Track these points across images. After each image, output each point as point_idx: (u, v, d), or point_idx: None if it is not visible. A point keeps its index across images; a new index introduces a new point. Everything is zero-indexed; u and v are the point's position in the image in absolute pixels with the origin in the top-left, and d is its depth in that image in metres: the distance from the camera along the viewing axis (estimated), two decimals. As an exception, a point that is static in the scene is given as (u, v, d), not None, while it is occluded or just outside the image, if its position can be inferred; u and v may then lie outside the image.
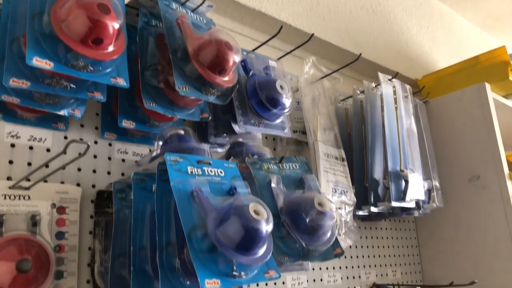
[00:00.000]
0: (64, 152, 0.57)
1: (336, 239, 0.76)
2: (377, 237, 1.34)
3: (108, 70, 0.67)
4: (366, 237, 1.30)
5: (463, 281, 1.09)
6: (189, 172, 0.66)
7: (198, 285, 0.62)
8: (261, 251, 0.60)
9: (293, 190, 0.79)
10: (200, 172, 0.67)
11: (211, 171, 0.69)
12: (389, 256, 1.35)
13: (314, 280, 1.12)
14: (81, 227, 0.76)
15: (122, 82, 0.68)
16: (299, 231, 0.71)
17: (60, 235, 0.73)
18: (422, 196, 1.15)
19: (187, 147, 0.71)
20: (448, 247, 1.40)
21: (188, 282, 0.62)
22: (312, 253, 0.73)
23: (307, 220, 0.70)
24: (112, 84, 0.67)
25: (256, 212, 0.59)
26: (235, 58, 0.74)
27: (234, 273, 0.59)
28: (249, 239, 0.58)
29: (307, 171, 0.84)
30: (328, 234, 0.73)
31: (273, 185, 0.75)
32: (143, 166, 0.70)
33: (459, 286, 1.06)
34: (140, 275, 0.67)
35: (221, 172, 0.70)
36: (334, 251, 0.76)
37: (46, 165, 0.73)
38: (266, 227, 0.59)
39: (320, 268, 1.14)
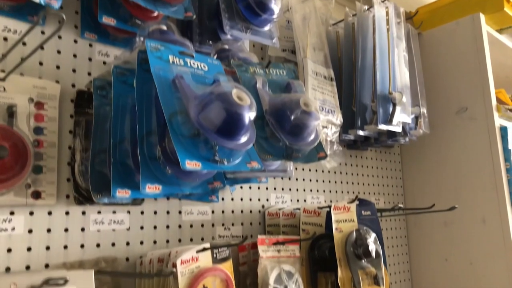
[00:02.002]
0: (41, 47, 0.54)
1: (320, 142, 0.75)
2: (362, 166, 1.34)
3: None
4: (352, 165, 1.31)
5: (444, 208, 1.10)
6: (171, 61, 0.64)
7: (179, 173, 0.61)
8: (244, 138, 0.59)
9: (279, 94, 0.77)
10: (182, 63, 0.65)
11: (193, 64, 0.66)
12: (373, 185, 1.37)
13: (297, 201, 1.13)
14: (60, 126, 0.74)
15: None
16: (284, 131, 0.70)
17: (38, 131, 0.71)
18: (409, 120, 1.15)
19: (170, 39, 0.68)
20: (432, 177, 1.41)
21: (169, 171, 0.61)
22: (296, 154, 0.72)
23: (292, 119, 0.69)
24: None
25: (239, 98, 0.57)
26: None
27: (216, 158, 0.58)
28: (231, 123, 0.57)
29: (295, 79, 0.83)
30: (313, 135, 0.72)
31: (258, 85, 0.74)
32: (123, 59, 0.67)
33: (440, 211, 1.08)
34: (121, 169, 0.66)
35: (204, 67, 0.68)
36: (318, 154, 0.76)
37: (22, 59, 0.70)
38: (249, 114, 0.58)
39: (304, 190, 1.15)
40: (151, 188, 0.61)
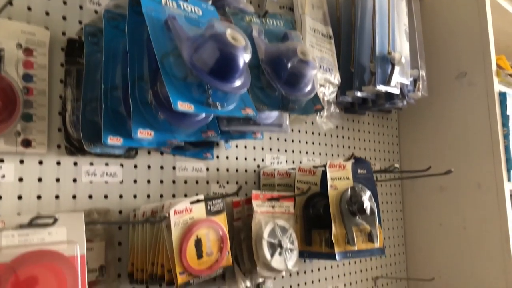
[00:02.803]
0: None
1: (317, 94, 0.74)
2: (358, 130, 1.33)
3: None
4: (348, 129, 1.30)
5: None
6: (163, 3, 0.61)
7: (172, 118, 0.60)
8: (238, 82, 0.57)
9: (276, 43, 0.75)
10: (175, 6, 0.63)
11: (187, 7, 0.64)
12: (370, 149, 1.36)
13: (293, 162, 1.12)
14: (51, 74, 0.72)
15: None
16: (280, 80, 0.68)
17: (27, 78, 0.69)
18: (407, 81, 1.13)
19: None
20: (428, 143, 1.41)
21: (161, 116, 0.60)
22: (292, 106, 0.71)
23: (288, 68, 0.67)
24: None
25: (234, 38, 0.56)
26: None
27: (209, 101, 0.56)
28: (225, 64, 0.55)
29: (292, 30, 0.80)
30: (309, 86, 0.70)
31: (254, 34, 0.71)
32: (114, 2, 0.65)
33: (435, 175, 1.07)
34: (113, 116, 0.65)
35: (198, 11, 0.66)
36: (314, 106, 0.74)
37: (10, 3, 0.67)
38: (244, 55, 0.56)
39: (300, 152, 1.14)
40: (143, 133, 0.60)
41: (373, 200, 0.90)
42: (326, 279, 1.16)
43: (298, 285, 1.09)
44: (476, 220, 1.29)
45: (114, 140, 0.64)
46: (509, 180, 1.27)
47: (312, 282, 1.12)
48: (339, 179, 0.90)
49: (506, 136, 1.28)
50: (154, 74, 0.60)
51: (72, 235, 0.52)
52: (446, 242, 1.35)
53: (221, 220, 0.76)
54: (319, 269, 1.14)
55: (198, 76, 0.54)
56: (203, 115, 0.61)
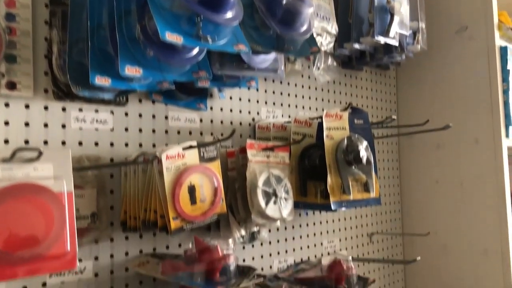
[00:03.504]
0: None
1: (313, 36, 0.71)
2: (356, 86, 1.31)
3: None
4: (346, 84, 1.27)
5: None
6: None
7: (161, 54, 0.58)
8: (229, 13, 0.55)
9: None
10: None
11: None
12: (367, 106, 1.34)
13: (289, 116, 1.10)
14: (35, 15, 0.69)
15: None
16: (274, 19, 0.65)
17: (10, 17, 0.66)
18: (406, 32, 1.10)
19: None
20: (426, 99, 1.38)
21: (150, 52, 0.57)
22: (288, 47, 0.68)
23: (283, 5, 0.64)
24: None
25: (225, -34, 0.52)
26: None
27: (200, 34, 0.54)
28: (216, -7, 0.52)
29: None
30: (305, 26, 0.68)
31: (247, -30, 0.68)
32: None
33: (433, 130, 1.05)
34: (100, 55, 0.62)
35: None
36: (311, 48, 0.72)
37: None
38: (235, -15, 0.53)
39: (296, 106, 1.12)
40: (131, 70, 0.57)
41: (369, 150, 0.89)
42: (321, 233, 1.16)
43: (294, 238, 1.09)
44: (473, 176, 1.29)
45: (101, 80, 0.61)
46: (507, 136, 1.26)
47: (308, 236, 1.12)
48: (336, 129, 0.89)
49: (505, 92, 1.26)
50: (142, 8, 0.57)
51: (59, 172, 0.50)
52: (442, 199, 1.35)
53: (215, 167, 0.75)
54: (314, 224, 1.14)
55: (187, 6, 0.51)
56: (193, 52, 0.59)
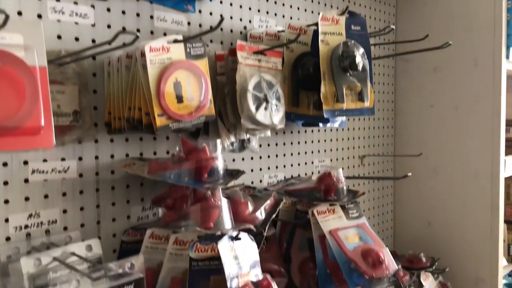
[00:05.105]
0: None
1: None
2: (354, 3, 1.24)
3: None
4: (343, 9, 1.21)
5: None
6: None
7: None
8: None
9: None
10: None
11: None
12: (365, 15, 1.28)
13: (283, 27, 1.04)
14: None
15: None
16: None
17: None
18: None
19: None
20: (425, 18, 1.33)
21: None
22: None
23: None
24: None
25: None
26: None
27: None
28: None
29: None
30: None
31: None
32: None
33: (432, 49, 1.00)
34: None
35: None
36: None
37: None
38: None
39: (291, 18, 1.06)
40: None
41: (365, 57, 0.85)
42: (312, 152, 1.14)
43: (284, 155, 1.07)
44: (469, 99, 1.26)
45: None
46: (507, 57, 1.22)
47: (299, 153, 1.11)
48: (331, 34, 0.84)
49: (509, 10, 1.21)
50: None
51: (30, 43, 0.46)
52: (436, 124, 1.33)
53: (202, 65, 0.71)
54: (306, 142, 1.12)
55: None
56: None
